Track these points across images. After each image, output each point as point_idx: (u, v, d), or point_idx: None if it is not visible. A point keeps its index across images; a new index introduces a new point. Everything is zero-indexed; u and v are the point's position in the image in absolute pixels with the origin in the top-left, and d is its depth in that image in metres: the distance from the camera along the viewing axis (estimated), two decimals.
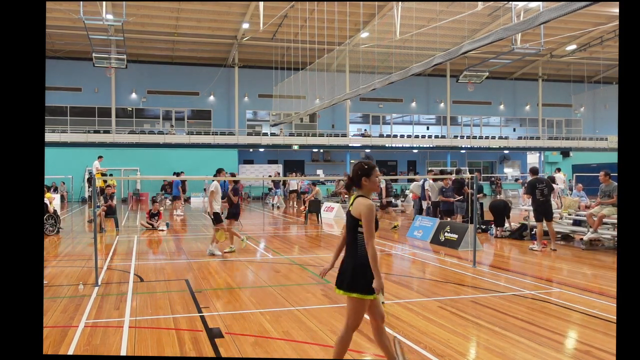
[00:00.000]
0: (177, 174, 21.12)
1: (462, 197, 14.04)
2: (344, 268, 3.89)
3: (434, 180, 14.63)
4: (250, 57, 36.00)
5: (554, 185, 13.40)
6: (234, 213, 11.20)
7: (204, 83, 36.18)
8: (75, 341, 5.04)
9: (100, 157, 16.93)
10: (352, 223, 3.83)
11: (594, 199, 12.60)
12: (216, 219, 10.64)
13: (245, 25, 30.33)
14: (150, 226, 15.39)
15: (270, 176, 32.43)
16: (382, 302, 3.79)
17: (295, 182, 26.06)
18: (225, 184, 19.17)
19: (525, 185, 12.33)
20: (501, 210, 13.27)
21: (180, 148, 34.23)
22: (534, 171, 11.64)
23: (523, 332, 5.31)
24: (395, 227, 15.57)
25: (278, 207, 25.13)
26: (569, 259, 10.01)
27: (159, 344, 4.98)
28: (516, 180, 34.50)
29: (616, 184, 10.81)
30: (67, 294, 7.14)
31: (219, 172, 11.01)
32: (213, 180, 11.01)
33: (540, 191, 10.96)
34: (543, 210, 10.94)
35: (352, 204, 3.85)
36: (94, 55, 27.29)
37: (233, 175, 12.74)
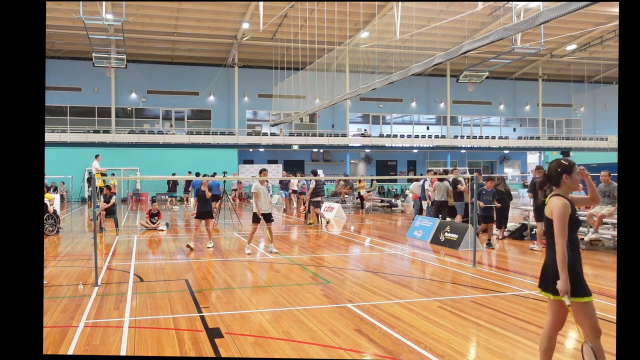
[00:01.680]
0: (198, 174, 20.69)
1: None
2: (544, 270, 3.76)
3: (440, 180, 14.51)
4: (250, 57, 36.01)
5: None
6: (209, 212, 11.64)
7: (204, 83, 36.19)
8: (75, 341, 5.04)
9: (97, 156, 16.86)
10: (548, 224, 3.71)
11: None
12: (253, 218, 10.82)
13: (245, 25, 30.33)
14: (151, 224, 15.40)
15: (249, 177, 32.22)
16: (568, 305, 3.60)
17: (293, 182, 25.92)
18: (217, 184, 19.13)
19: (530, 183, 12.24)
20: (506, 205, 12.69)
21: (180, 148, 34.24)
22: (540, 170, 11.62)
23: (523, 332, 5.31)
24: (311, 223, 16.30)
25: (285, 210, 23.43)
26: None
27: (158, 344, 4.98)
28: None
29: (616, 184, 10.81)
30: (67, 294, 7.14)
31: (262, 172, 11.12)
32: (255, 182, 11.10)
33: (543, 191, 10.93)
34: (543, 210, 10.91)
35: (546, 204, 3.77)
36: (93, 55, 27.30)
37: (205, 175, 13.23)
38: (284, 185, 24.75)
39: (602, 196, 10.96)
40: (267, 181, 11.29)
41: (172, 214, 21.65)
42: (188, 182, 25.53)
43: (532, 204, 11.55)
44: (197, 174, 19.66)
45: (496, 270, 8.85)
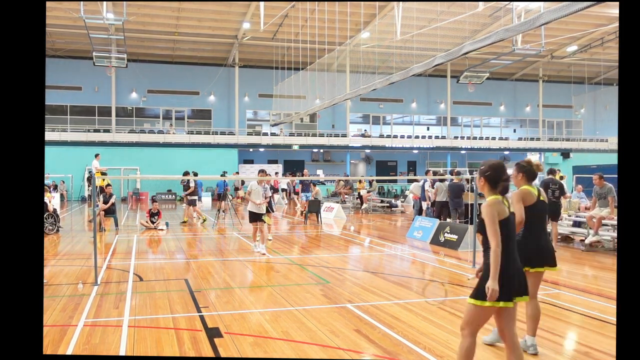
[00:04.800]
0: (195, 174, 20.58)
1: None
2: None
3: (441, 180, 14.57)
4: (250, 56, 36.02)
5: None
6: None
7: (204, 82, 36.20)
8: (75, 340, 5.04)
9: (97, 155, 16.85)
10: (481, 225, 3.67)
11: None
12: (250, 217, 10.73)
13: (246, 25, 30.34)
14: (150, 224, 15.41)
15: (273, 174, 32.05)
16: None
17: (283, 181, 25.78)
18: (224, 184, 19.14)
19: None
20: None
21: (180, 147, 34.25)
22: (552, 171, 11.62)
23: (522, 333, 5.30)
24: (184, 222, 16.81)
25: (305, 215, 18.88)
26: (569, 260, 10.01)
27: (158, 343, 4.98)
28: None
29: (610, 185, 10.85)
30: (67, 293, 7.14)
31: (260, 172, 11.60)
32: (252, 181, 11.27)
33: (552, 191, 10.96)
34: (551, 211, 10.95)
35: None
36: (94, 54, 27.30)
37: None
38: (305, 186, 21.47)
39: (598, 198, 10.99)
40: (263, 182, 11.16)
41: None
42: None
43: None
44: (195, 174, 19.65)
45: None
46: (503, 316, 3.64)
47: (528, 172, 4.71)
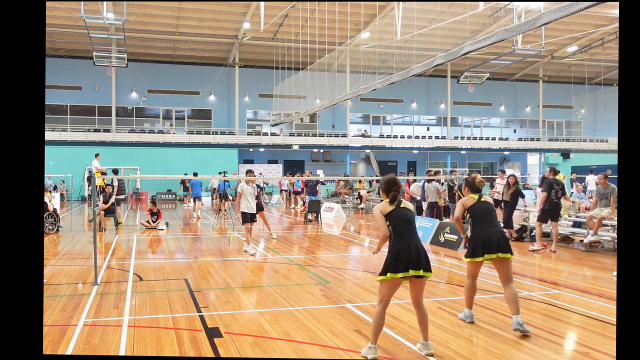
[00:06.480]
0: (195, 174, 20.59)
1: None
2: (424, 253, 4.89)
3: (429, 181, 14.76)
4: (250, 56, 36.03)
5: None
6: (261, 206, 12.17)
7: (205, 82, 36.22)
8: (74, 340, 5.04)
9: (97, 155, 16.84)
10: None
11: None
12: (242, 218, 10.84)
13: (246, 25, 30.35)
14: (151, 224, 15.41)
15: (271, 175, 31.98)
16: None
17: (284, 182, 25.52)
18: (224, 184, 19.15)
19: (542, 183, 12.11)
20: (515, 199, 12.67)
21: (180, 147, 34.26)
22: (554, 171, 11.60)
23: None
24: (119, 223, 15.78)
25: (305, 216, 18.30)
26: (569, 261, 10.01)
27: (157, 343, 4.98)
28: None
29: (614, 185, 10.83)
30: (66, 292, 7.14)
31: (248, 172, 11.33)
32: (240, 182, 11.17)
33: (555, 192, 10.95)
34: (552, 211, 10.94)
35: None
36: (94, 54, 27.32)
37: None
38: (311, 188, 19.58)
39: (600, 198, 10.98)
40: (252, 181, 11.21)
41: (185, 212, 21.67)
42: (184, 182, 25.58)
43: (543, 204, 11.31)
44: (195, 174, 19.69)
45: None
46: (396, 287, 4.71)
47: (472, 185, 5.89)
